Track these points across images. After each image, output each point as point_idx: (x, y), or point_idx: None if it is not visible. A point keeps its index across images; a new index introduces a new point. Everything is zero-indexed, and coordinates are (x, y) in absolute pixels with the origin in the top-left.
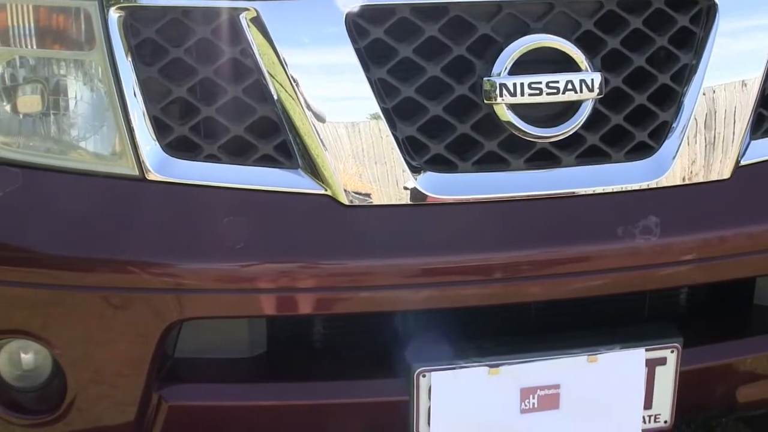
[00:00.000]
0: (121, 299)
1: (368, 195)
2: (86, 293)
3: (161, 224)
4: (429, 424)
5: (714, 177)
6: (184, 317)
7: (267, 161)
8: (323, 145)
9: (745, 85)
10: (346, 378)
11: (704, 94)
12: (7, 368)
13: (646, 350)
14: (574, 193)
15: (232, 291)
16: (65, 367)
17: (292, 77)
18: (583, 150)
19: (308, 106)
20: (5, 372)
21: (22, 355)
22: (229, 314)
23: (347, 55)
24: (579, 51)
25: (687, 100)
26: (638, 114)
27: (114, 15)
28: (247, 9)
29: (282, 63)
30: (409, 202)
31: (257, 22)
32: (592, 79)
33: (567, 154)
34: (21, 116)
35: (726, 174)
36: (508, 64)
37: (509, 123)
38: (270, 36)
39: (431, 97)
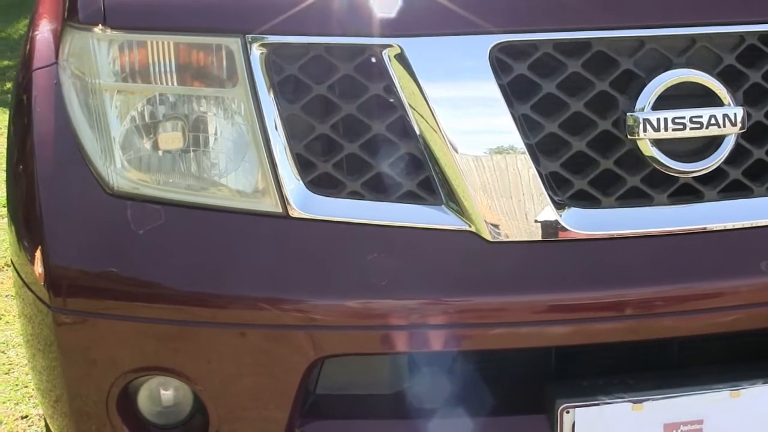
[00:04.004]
0: (263, 336)
1: (511, 231)
2: (228, 330)
3: (304, 261)
4: None
5: None
6: (327, 354)
7: (410, 197)
8: (466, 181)
9: None
10: (488, 414)
11: None
12: (147, 404)
13: None
14: (716, 228)
15: (374, 328)
16: (207, 403)
17: (435, 113)
18: (725, 185)
19: (450, 142)
20: (145, 408)
21: (162, 392)
22: (372, 351)
23: (491, 91)
24: (721, 85)
25: None
26: None
27: (257, 52)
28: (390, 46)
29: (426, 99)
30: (552, 238)
31: (401, 58)
32: (735, 114)
33: (709, 189)
34: (161, 153)
35: None
36: (652, 99)
37: (652, 158)
38: (414, 72)
39: (574, 133)
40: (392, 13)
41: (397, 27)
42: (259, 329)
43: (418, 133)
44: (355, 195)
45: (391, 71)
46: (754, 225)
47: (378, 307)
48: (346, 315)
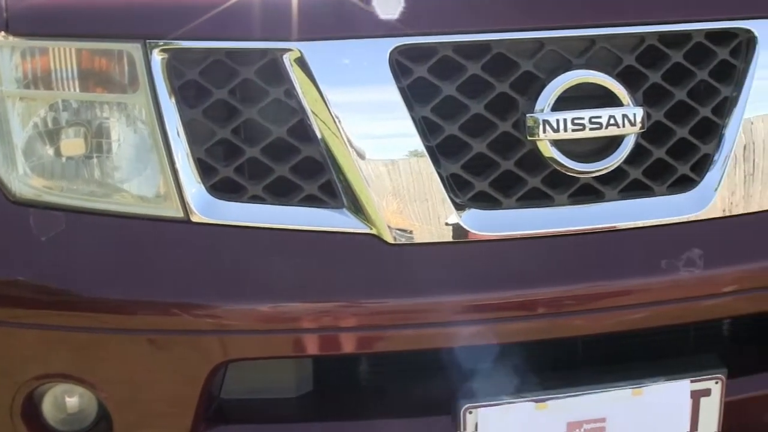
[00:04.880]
0: (167, 341)
1: (412, 233)
2: (132, 336)
3: (206, 266)
4: None
5: (756, 208)
6: (230, 358)
7: (311, 201)
8: (367, 184)
9: None
10: (393, 416)
11: (745, 126)
12: (52, 412)
13: (691, 381)
14: (617, 227)
15: (277, 331)
16: (111, 410)
17: (335, 116)
18: (626, 184)
19: (351, 145)
20: (49, 415)
21: (67, 399)
22: (275, 354)
23: (391, 94)
24: (621, 86)
25: (728, 133)
26: (680, 147)
27: (157, 57)
28: (290, 50)
29: (325, 102)
30: (453, 240)
31: (301, 62)
32: (635, 114)
33: (610, 189)
34: (64, 159)
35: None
36: (551, 100)
37: (552, 159)
38: (313, 76)
39: (475, 135)
40: (292, 17)
41: (297, 31)
42: (161, 335)
43: (319, 136)
44: (256, 199)
45: (292, 75)
46: (654, 224)
47: (279, 311)
48: (249, 319)
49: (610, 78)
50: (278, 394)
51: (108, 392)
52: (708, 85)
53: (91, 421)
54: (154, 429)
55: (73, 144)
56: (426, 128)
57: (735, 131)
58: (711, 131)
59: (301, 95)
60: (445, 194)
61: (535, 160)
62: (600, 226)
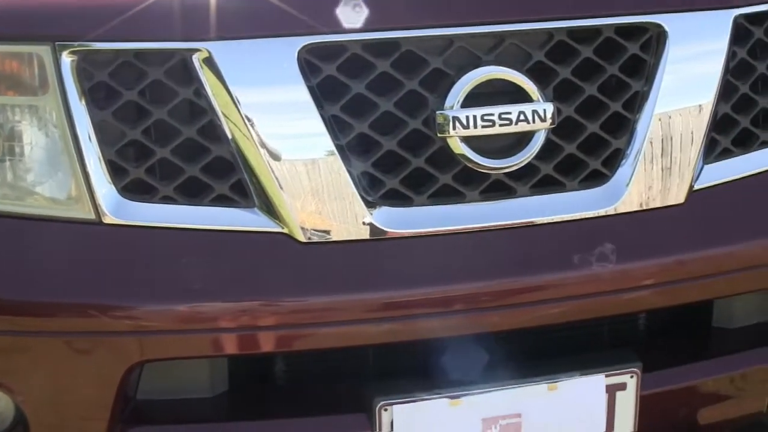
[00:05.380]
0: (81, 343)
1: (324, 231)
2: (45, 338)
3: (118, 267)
4: None
5: (668, 202)
6: (145, 359)
7: (223, 201)
8: (278, 183)
9: (697, 110)
10: (309, 414)
11: (656, 120)
12: None
13: (606, 376)
14: (529, 222)
15: (190, 331)
16: (28, 414)
17: (245, 116)
18: (537, 180)
19: (262, 145)
20: None
21: None
22: (189, 355)
23: (300, 93)
24: (530, 82)
25: (639, 127)
26: (591, 142)
27: (67, 59)
28: (199, 50)
29: (235, 102)
30: (365, 237)
31: (209, 62)
32: (545, 110)
33: (521, 185)
34: None
35: (680, 199)
36: (461, 97)
37: (463, 155)
38: (222, 76)
39: (385, 132)
40: (200, 18)
41: (205, 31)
42: (75, 336)
43: (229, 136)
44: (168, 200)
45: (201, 75)
46: (567, 219)
47: (191, 311)
48: (161, 319)
49: (520, 74)
50: (194, 394)
51: (24, 395)
52: (619, 80)
53: (8, 425)
54: (73, 430)
55: None
56: (336, 127)
57: (646, 126)
58: (622, 126)
59: (210, 95)
60: (356, 192)
61: (445, 157)
62: (512, 222)
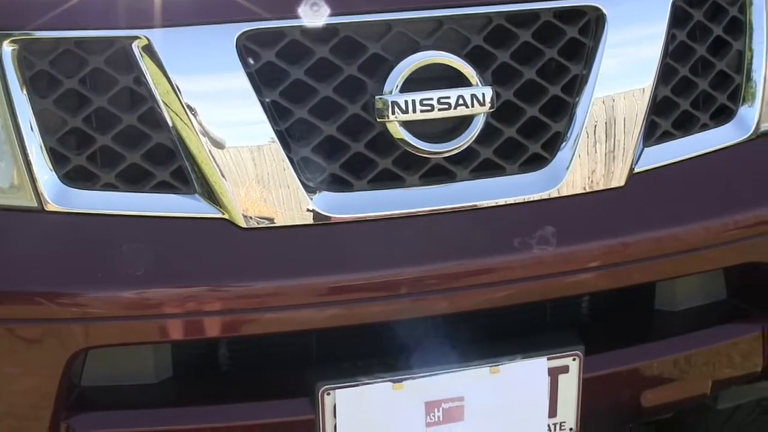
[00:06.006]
0: (24, 331)
1: (265, 217)
2: None
3: (61, 254)
4: None
5: (609, 185)
6: (88, 346)
7: (164, 188)
8: (219, 170)
9: (637, 93)
10: (252, 399)
11: (596, 104)
12: None
13: (548, 359)
14: (470, 206)
15: (133, 318)
16: None
17: (185, 104)
18: (477, 164)
19: (202, 132)
20: None
21: None
22: (133, 341)
23: (239, 80)
24: (469, 66)
25: (579, 111)
26: (531, 126)
27: (7, 48)
28: (138, 37)
29: (175, 90)
30: (305, 222)
31: (149, 50)
32: (483, 94)
33: (461, 169)
34: None
35: (621, 182)
36: (399, 81)
37: (402, 140)
38: (162, 63)
39: (324, 118)
40: (138, 5)
41: (143, 18)
42: (17, 324)
43: (169, 124)
44: (109, 187)
45: (141, 63)
46: (507, 203)
47: (133, 297)
48: (103, 306)
49: (458, 58)
50: (139, 380)
51: None
52: (558, 64)
53: None
54: (17, 418)
55: None
56: (275, 113)
57: (586, 109)
58: (561, 109)
59: (150, 83)
60: (296, 178)
61: (385, 141)
62: (453, 206)
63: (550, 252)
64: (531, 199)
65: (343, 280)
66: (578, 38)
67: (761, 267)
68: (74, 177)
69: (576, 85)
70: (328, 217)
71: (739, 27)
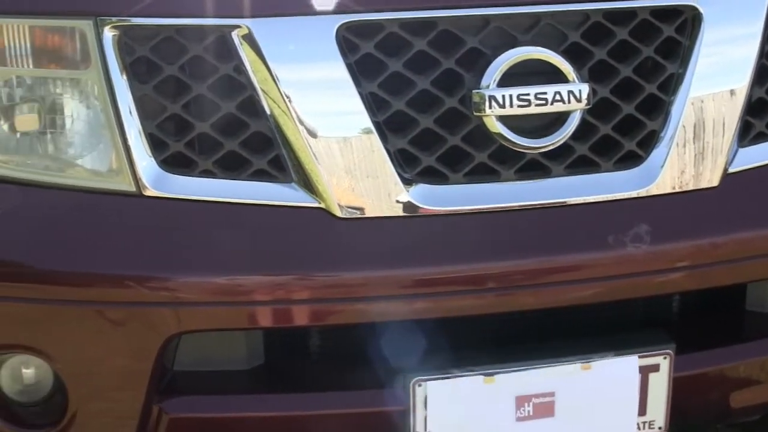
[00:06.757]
0: (120, 314)
1: (361, 207)
2: (86, 308)
3: (158, 239)
4: None
5: (702, 185)
6: (182, 330)
7: (261, 176)
8: (316, 159)
9: (732, 93)
10: (343, 388)
11: (691, 103)
12: (9, 383)
13: (639, 357)
14: (564, 202)
15: (228, 304)
16: (67, 382)
17: (284, 93)
18: (572, 160)
19: (300, 121)
20: (6, 386)
21: (24, 370)
22: (226, 327)
23: (338, 70)
24: (566, 62)
25: (674, 109)
26: (626, 124)
27: (109, 34)
28: (239, 26)
29: (274, 78)
30: (401, 214)
31: (249, 39)
32: (580, 90)
33: (557, 165)
34: (18, 135)
35: (714, 182)
36: (497, 76)
37: (499, 134)
38: (262, 52)
39: (422, 110)
40: None
41: (245, 8)
42: (115, 307)
43: (268, 112)
44: (207, 173)
45: (241, 52)
46: (601, 200)
47: (230, 284)
48: (200, 291)
49: (556, 54)
50: (231, 366)
51: (63, 364)
52: (654, 62)
53: (47, 393)
54: (109, 401)
55: (27, 120)
56: (373, 104)
57: (681, 108)
58: (657, 108)
59: (250, 71)
60: (393, 169)
61: (481, 135)
62: (547, 201)
63: (643, 250)
64: (625, 197)
65: (436, 272)
66: (675, 37)
67: None
68: (172, 163)
69: (672, 84)
70: (424, 209)
71: None
